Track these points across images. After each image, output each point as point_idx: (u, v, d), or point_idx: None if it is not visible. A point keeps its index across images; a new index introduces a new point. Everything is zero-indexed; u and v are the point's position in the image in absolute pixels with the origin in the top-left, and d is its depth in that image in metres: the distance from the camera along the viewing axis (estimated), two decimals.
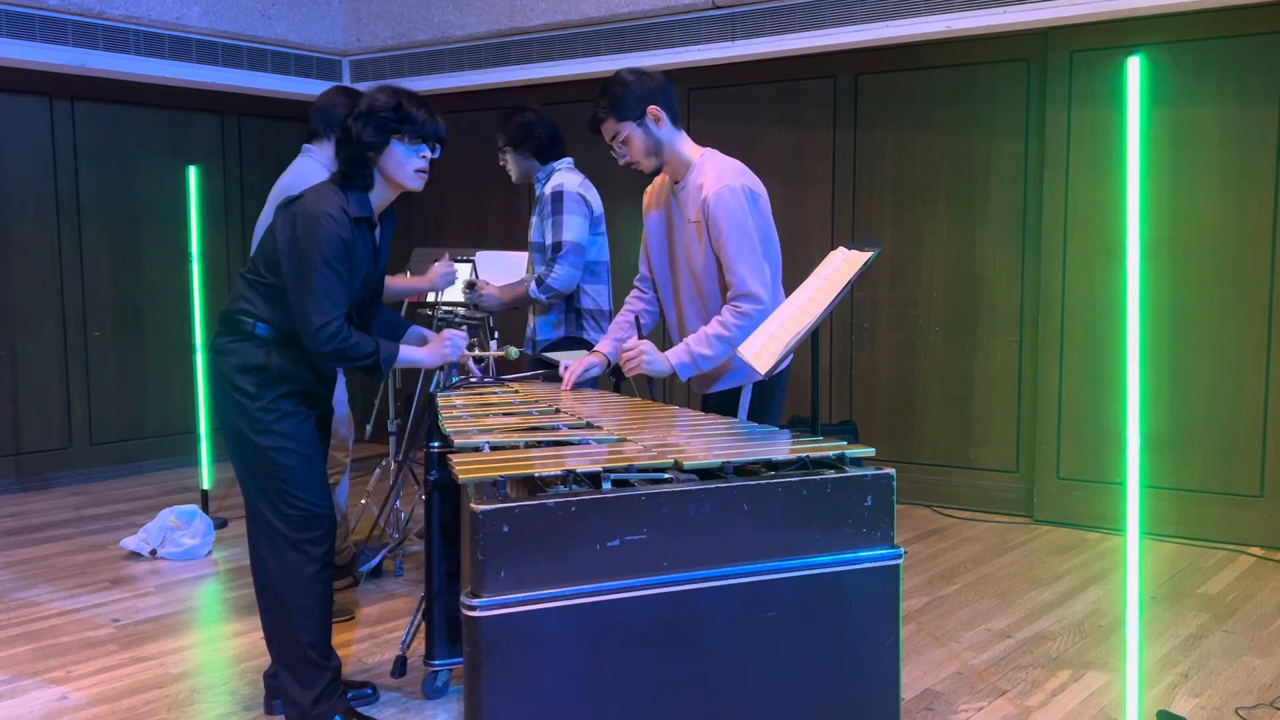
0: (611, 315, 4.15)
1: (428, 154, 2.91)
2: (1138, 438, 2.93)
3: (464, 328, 4.19)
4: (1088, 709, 3.26)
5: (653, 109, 3.14)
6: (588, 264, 4.07)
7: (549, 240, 4.04)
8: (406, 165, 2.88)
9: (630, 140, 3.16)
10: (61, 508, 5.92)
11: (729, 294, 3.09)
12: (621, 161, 3.23)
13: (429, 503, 3.30)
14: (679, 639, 2.03)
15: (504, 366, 3.94)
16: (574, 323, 4.10)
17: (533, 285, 4.01)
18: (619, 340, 3.40)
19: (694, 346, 3.08)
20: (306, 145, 4.01)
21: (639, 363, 3.09)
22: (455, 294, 4.66)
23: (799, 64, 5.97)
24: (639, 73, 3.19)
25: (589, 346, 4.03)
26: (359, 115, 2.85)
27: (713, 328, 3.07)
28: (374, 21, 7.10)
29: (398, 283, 3.98)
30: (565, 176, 4.10)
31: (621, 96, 3.13)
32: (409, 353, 3.01)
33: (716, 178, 3.10)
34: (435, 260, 4.83)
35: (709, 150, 3.23)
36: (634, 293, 3.53)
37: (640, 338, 3.30)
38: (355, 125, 2.84)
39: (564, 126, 4.35)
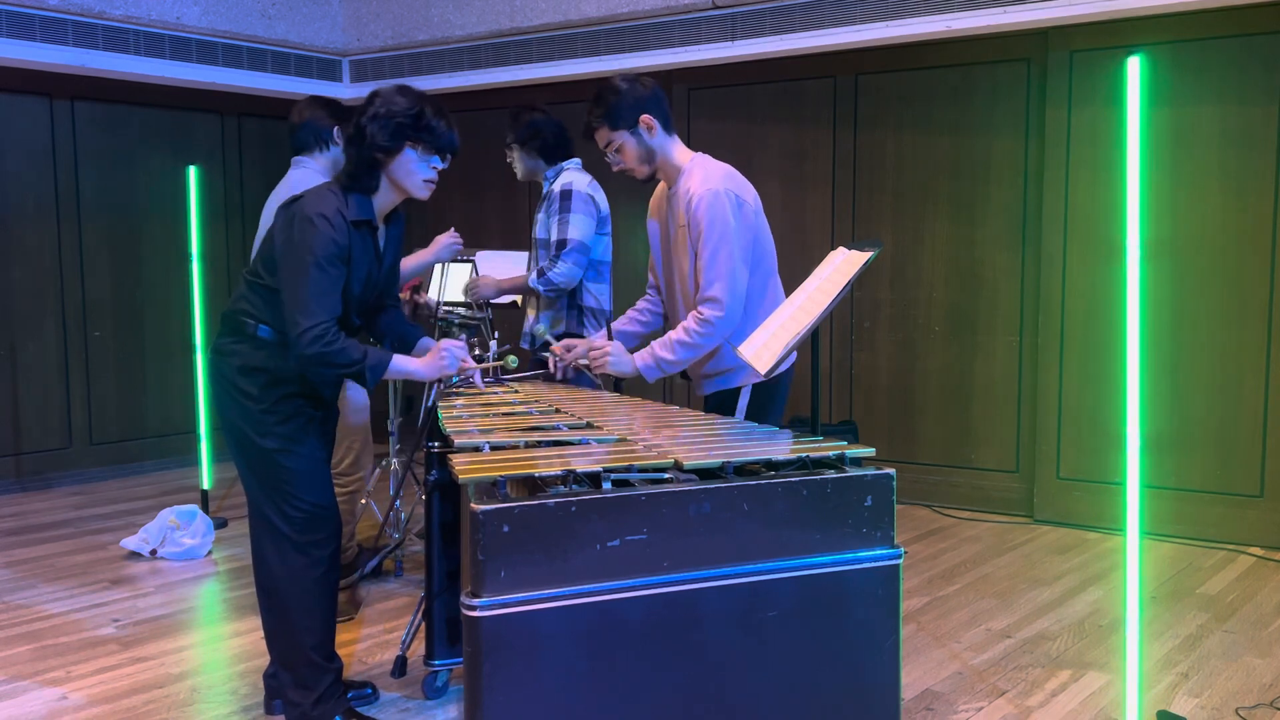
0: (611, 316, 4.16)
1: (439, 165, 2.85)
2: (1138, 438, 2.93)
3: (463, 332, 4.18)
4: (1088, 709, 3.26)
5: (645, 117, 3.14)
6: (592, 263, 4.08)
7: (554, 237, 4.05)
8: (416, 174, 2.82)
9: (623, 148, 3.18)
10: (61, 508, 5.92)
11: (696, 297, 3.11)
12: (615, 168, 3.24)
13: (429, 503, 3.30)
14: (679, 639, 2.03)
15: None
16: (575, 320, 4.10)
17: (533, 276, 4.02)
18: (625, 333, 3.45)
19: (658, 350, 3.12)
20: (297, 158, 3.98)
21: (604, 362, 3.15)
22: (455, 294, 4.66)
23: (799, 64, 5.97)
24: (631, 80, 3.18)
25: None
26: (375, 116, 2.76)
27: (677, 333, 3.10)
28: (374, 21, 7.10)
29: (406, 262, 3.96)
30: (574, 176, 4.11)
31: (614, 105, 3.13)
32: (403, 363, 2.86)
33: (702, 182, 3.11)
34: (436, 261, 4.81)
35: (699, 155, 3.23)
36: (643, 298, 3.54)
37: (610, 338, 3.34)
38: (370, 126, 2.76)
39: (565, 127, 4.35)
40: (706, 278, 3.06)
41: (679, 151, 3.22)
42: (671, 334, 3.11)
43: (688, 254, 3.17)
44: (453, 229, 4.13)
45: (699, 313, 3.07)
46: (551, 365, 3.39)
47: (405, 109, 2.77)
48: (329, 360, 2.73)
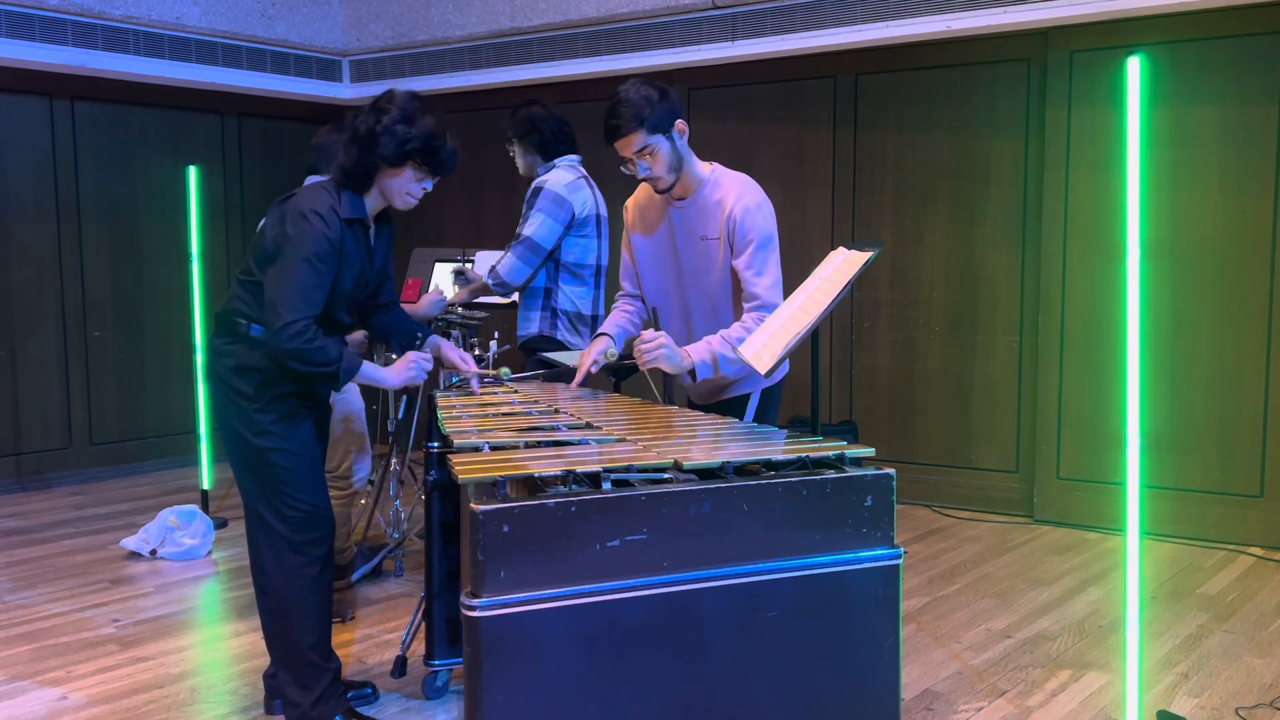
0: (598, 320, 4.09)
1: (429, 187, 2.90)
2: (1138, 438, 2.93)
3: (462, 332, 4.18)
4: (1088, 709, 3.26)
5: (680, 123, 3.04)
6: (568, 265, 4.01)
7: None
8: (404, 189, 2.86)
9: (657, 153, 3.02)
10: (61, 508, 5.92)
11: (751, 303, 3.02)
12: (641, 176, 3.07)
13: (429, 503, 3.30)
14: (679, 639, 2.03)
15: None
16: (549, 322, 4.05)
17: (487, 272, 4.01)
18: (623, 329, 3.33)
19: (718, 348, 2.97)
20: (311, 176, 4.01)
21: (659, 355, 2.95)
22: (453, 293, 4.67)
23: (799, 64, 5.97)
24: (659, 85, 3.05)
25: (564, 348, 4.00)
26: (390, 129, 2.76)
27: (736, 333, 2.98)
28: (374, 21, 7.10)
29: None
30: (555, 174, 4.04)
31: (653, 108, 2.98)
32: (372, 371, 2.91)
33: (740, 192, 3.06)
34: (436, 261, 4.83)
35: (717, 165, 3.17)
36: (620, 304, 3.41)
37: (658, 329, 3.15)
38: (383, 137, 2.76)
39: (567, 121, 4.32)
40: (763, 285, 3.00)
41: (696, 161, 3.12)
42: (728, 333, 2.98)
43: (720, 264, 3.09)
44: (435, 285, 4.11)
45: (761, 317, 2.97)
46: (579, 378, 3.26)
47: (422, 134, 2.78)
48: (306, 357, 2.75)
